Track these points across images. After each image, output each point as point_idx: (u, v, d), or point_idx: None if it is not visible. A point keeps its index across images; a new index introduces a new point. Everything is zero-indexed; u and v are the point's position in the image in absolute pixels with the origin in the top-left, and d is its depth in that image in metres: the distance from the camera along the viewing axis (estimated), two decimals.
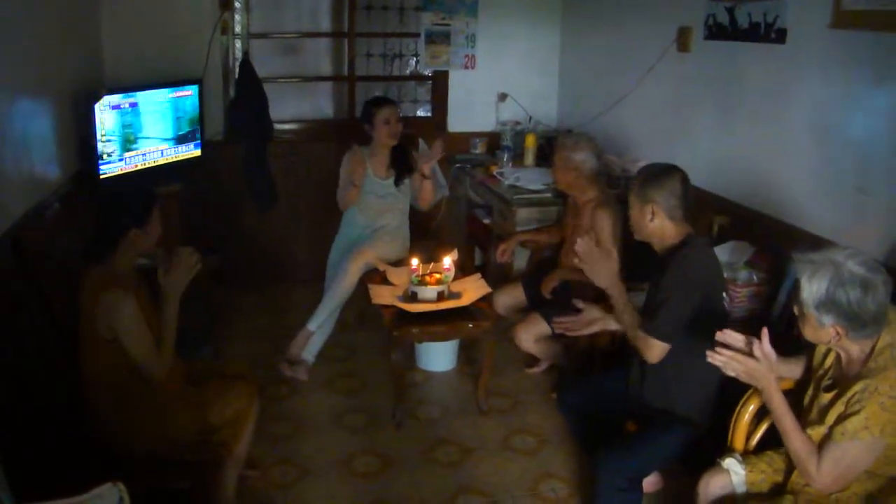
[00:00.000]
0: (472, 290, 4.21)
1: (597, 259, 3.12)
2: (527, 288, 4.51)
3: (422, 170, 4.70)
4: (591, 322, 3.34)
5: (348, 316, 4.92)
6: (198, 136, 5.13)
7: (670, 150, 4.58)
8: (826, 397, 2.46)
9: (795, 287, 2.40)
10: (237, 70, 5.43)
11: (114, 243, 2.90)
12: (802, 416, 2.53)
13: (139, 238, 2.92)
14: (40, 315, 3.17)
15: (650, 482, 3.35)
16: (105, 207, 3.01)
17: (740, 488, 2.64)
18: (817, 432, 2.42)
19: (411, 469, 3.77)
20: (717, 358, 2.47)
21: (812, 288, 2.32)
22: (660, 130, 4.86)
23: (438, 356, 4.70)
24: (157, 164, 4.85)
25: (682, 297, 2.92)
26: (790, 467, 2.57)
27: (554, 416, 4.09)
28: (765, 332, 2.45)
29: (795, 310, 2.43)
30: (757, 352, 2.42)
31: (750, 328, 3.43)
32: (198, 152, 5.15)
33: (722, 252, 3.72)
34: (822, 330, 2.36)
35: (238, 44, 5.57)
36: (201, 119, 5.13)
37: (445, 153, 4.90)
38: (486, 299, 4.23)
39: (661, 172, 3.08)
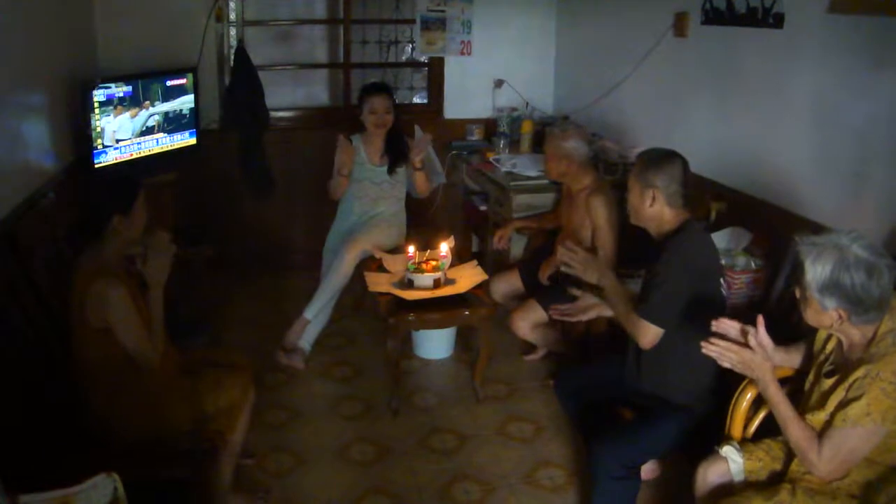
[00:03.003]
0: (469, 277, 4.20)
1: (581, 261, 3.16)
2: (523, 275, 4.50)
3: (413, 163, 4.68)
4: (588, 309, 3.33)
5: (345, 303, 4.90)
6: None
7: (667, 135, 4.55)
8: (827, 383, 2.45)
9: (798, 270, 2.37)
10: (232, 58, 5.40)
11: (98, 230, 2.88)
12: (803, 402, 2.52)
13: (123, 225, 2.89)
14: (34, 306, 3.14)
15: (648, 469, 3.34)
16: (89, 195, 3.00)
17: (738, 476, 2.62)
18: (818, 418, 2.41)
19: (407, 457, 3.77)
20: (711, 349, 2.46)
21: (816, 271, 2.29)
22: (657, 116, 4.84)
23: (435, 344, 4.69)
24: (152, 152, 4.83)
25: (676, 282, 2.90)
26: (789, 455, 2.56)
27: (551, 403, 4.08)
28: (760, 320, 2.44)
29: (797, 293, 2.41)
30: (752, 341, 2.41)
31: (748, 315, 3.43)
32: (193, 141, 5.12)
33: (720, 238, 3.71)
34: (825, 314, 2.34)
35: (233, 31, 5.55)
36: (196, 107, 5.10)
37: (433, 143, 4.88)
38: (482, 286, 4.21)
39: (663, 157, 3.05)
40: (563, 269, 3.25)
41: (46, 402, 2.90)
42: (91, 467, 2.27)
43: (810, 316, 2.40)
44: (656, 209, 3.02)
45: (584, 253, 3.23)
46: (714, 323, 2.51)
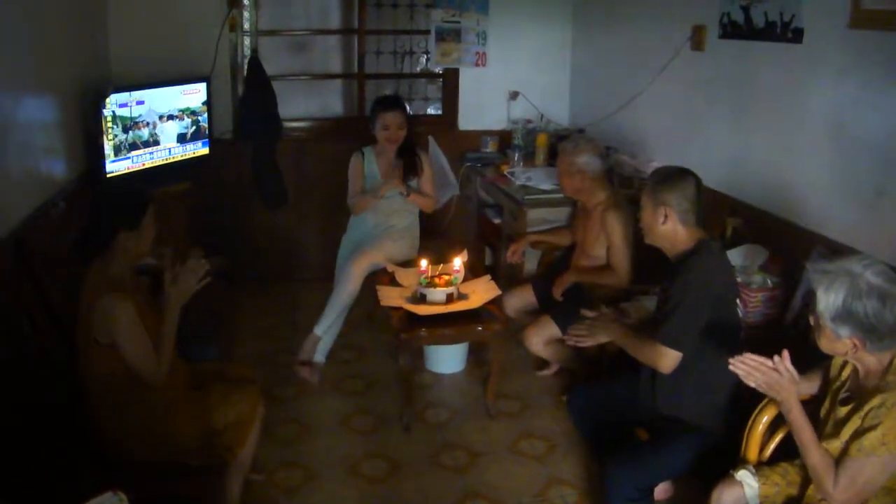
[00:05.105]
0: (482, 291, 4.15)
1: (588, 331, 3.24)
2: (537, 290, 4.46)
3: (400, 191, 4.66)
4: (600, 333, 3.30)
5: (356, 316, 4.87)
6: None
7: (683, 150, 4.52)
8: (842, 411, 2.40)
9: (811, 298, 2.33)
10: (246, 68, 5.39)
11: (103, 245, 2.84)
12: (818, 429, 2.46)
13: (131, 241, 2.85)
14: (43, 318, 3.12)
15: (661, 490, 3.29)
16: (96, 209, 2.96)
17: (753, 501, 2.56)
18: (833, 447, 2.36)
19: (418, 473, 3.72)
20: (739, 367, 2.41)
21: (828, 300, 2.25)
22: (673, 130, 4.79)
23: (447, 358, 4.65)
24: (165, 162, 4.82)
25: (694, 305, 2.85)
26: (805, 480, 2.50)
27: (563, 419, 4.04)
28: (786, 354, 2.39)
29: (811, 320, 2.38)
30: (780, 366, 2.37)
31: (764, 334, 3.40)
32: (206, 151, 5.12)
33: (736, 255, 3.66)
34: (839, 342, 2.30)
35: (247, 41, 5.52)
36: (209, 117, 5.09)
37: (447, 154, 4.86)
38: (495, 301, 4.17)
39: (675, 175, 3.02)
40: (587, 343, 3.29)
41: (52, 417, 2.87)
42: (97, 484, 2.24)
43: (824, 344, 2.36)
44: (669, 227, 2.99)
45: (587, 323, 3.24)
46: (731, 360, 2.47)
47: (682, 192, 2.95)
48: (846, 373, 2.49)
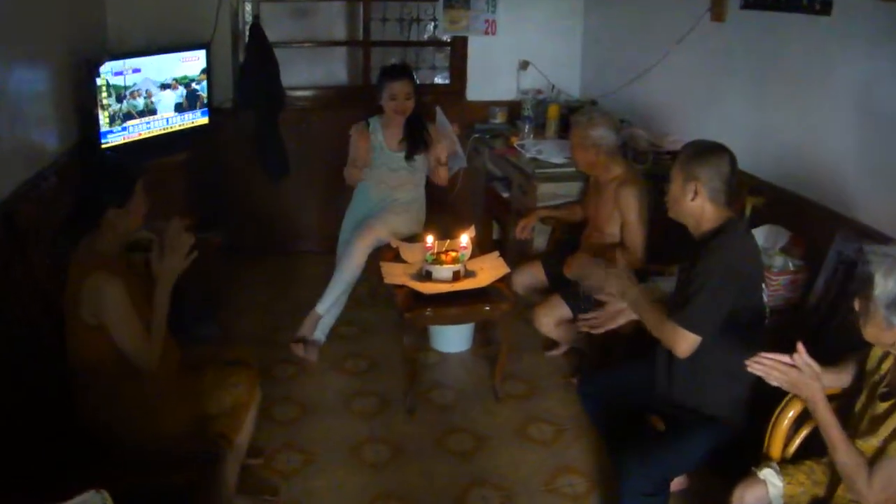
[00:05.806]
0: (490, 269, 4.01)
1: (602, 275, 3.07)
2: (547, 267, 4.31)
3: (438, 157, 4.49)
4: (616, 315, 3.16)
5: (360, 292, 4.74)
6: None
7: (701, 124, 4.36)
8: (881, 407, 2.26)
9: (865, 282, 2.19)
10: (247, 34, 5.25)
11: (92, 223, 2.70)
12: (851, 424, 2.34)
13: (120, 218, 2.71)
14: (31, 298, 2.99)
15: (676, 481, 3.17)
16: (84, 185, 2.82)
17: (777, 502, 2.44)
18: (869, 444, 2.23)
19: (423, 459, 3.61)
20: (756, 367, 2.30)
21: (888, 285, 2.11)
22: (690, 104, 4.63)
23: (453, 337, 4.53)
24: (162, 132, 4.67)
25: (717, 288, 2.69)
26: (833, 480, 2.38)
27: (572, 402, 3.93)
28: (800, 347, 2.26)
29: (857, 306, 2.24)
30: (798, 360, 2.23)
31: (785, 319, 3.26)
32: (205, 120, 4.98)
33: (756, 236, 3.49)
34: (889, 331, 2.16)
35: (248, 6, 5.39)
36: (209, 85, 4.94)
37: (460, 132, 4.71)
38: (504, 279, 4.03)
39: (709, 150, 2.86)
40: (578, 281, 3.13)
41: (39, 404, 2.75)
42: (85, 476, 2.13)
43: (870, 332, 2.22)
44: (697, 204, 2.83)
45: (603, 266, 3.10)
46: (747, 362, 2.35)
47: (717, 168, 2.79)
48: (886, 365, 2.34)
